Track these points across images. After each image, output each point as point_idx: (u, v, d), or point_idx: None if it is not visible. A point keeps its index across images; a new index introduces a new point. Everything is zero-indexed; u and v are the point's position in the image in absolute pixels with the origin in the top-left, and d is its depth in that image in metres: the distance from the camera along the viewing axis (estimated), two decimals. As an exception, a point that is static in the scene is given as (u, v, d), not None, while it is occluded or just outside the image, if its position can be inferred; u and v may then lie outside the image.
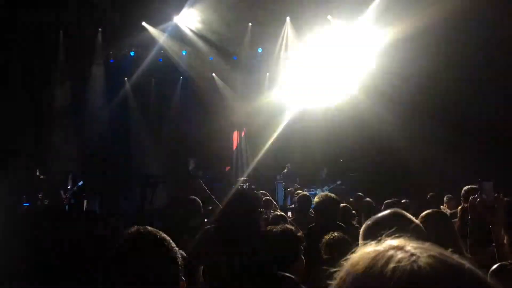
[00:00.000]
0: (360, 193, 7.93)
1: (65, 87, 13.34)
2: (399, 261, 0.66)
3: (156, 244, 1.38)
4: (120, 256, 1.36)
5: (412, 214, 1.80)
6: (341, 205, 4.19)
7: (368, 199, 5.85)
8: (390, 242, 0.71)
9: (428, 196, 7.44)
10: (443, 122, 11.09)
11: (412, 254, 0.67)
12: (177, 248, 1.43)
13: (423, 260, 0.65)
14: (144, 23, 13.19)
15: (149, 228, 1.43)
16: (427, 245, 0.69)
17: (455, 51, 10.21)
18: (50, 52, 12.86)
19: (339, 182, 12.53)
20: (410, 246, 0.69)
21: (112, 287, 1.33)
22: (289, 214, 6.21)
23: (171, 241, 1.42)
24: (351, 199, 7.81)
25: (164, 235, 1.42)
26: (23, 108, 12.09)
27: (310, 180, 13.32)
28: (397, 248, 0.69)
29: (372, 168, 12.21)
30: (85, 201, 11.87)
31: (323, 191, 11.62)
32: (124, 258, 1.35)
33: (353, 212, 5.50)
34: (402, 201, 5.86)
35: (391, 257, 0.67)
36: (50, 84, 13.11)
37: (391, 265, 0.65)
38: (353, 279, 0.68)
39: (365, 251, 0.71)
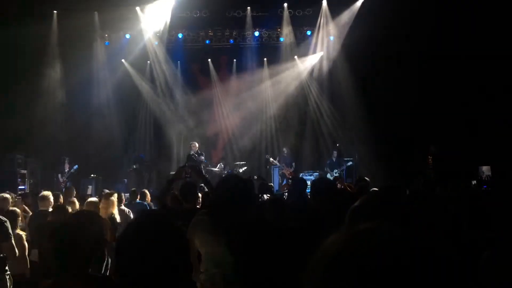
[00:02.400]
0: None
1: (56, 69, 13.11)
2: None
3: (170, 229, 1.39)
4: (135, 239, 1.36)
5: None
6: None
7: (363, 183, 5.81)
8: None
9: None
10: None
11: None
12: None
13: None
14: (137, 8, 13.05)
15: (157, 212, 1.44)
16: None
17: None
18: (43, 32, 12.68)
19: (349, 164, 12.26)
20: None
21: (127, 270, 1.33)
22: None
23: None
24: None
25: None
26: (16, 90, 11.96)
27: (316, 164, 13.24)
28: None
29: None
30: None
31: (333, 175, 11.59)
32: (140, 241, 1.34)
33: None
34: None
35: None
36: (42, 64, 12.89)
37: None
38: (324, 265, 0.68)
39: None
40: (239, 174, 11.35)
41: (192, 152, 11.90)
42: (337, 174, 11.81)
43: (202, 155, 12.10)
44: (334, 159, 12.54)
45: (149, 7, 13.15)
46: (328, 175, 11.84)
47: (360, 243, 0.66)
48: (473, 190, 4.34)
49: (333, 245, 0.69)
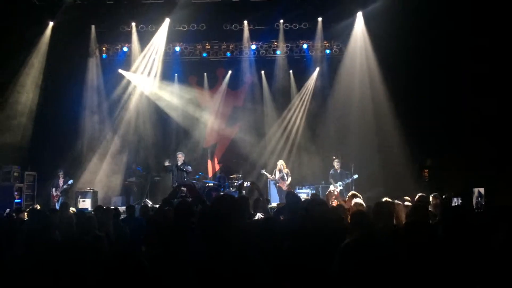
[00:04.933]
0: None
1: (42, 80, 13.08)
2: None
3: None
4: None
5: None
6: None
7: (357, 199, 5.81)
8: None
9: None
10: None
11: None
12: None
13: None
14: (133, 24, 13.17)
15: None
16: None
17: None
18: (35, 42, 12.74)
19: (355, 177, 11.87)
20: None
21: None
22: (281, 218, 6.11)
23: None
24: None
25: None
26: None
27: (315, 177, 13.16)
28: None
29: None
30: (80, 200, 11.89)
31: (337, 187, 11.47)
32: None
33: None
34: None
35: None
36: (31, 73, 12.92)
37: None
38: None
39: None
40: (233, 193, 11.37)
41: (179, 163, 12.13)
42: (341, 187, 11.65)
43: (189, 165, 12.31)
44: (338, 171, 12.15)
45: (146, 23, 13.26)
46: (331, 187, 11.48)
47: None
48: (463, 210, 4.38)
49: None
